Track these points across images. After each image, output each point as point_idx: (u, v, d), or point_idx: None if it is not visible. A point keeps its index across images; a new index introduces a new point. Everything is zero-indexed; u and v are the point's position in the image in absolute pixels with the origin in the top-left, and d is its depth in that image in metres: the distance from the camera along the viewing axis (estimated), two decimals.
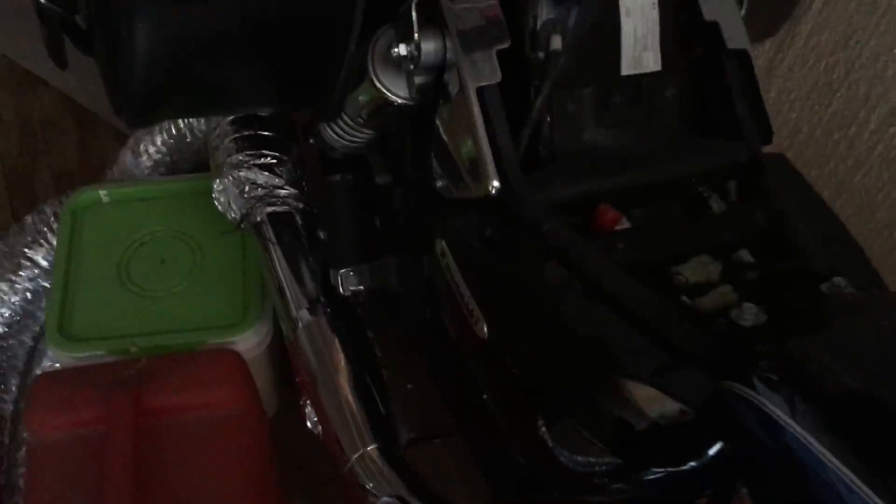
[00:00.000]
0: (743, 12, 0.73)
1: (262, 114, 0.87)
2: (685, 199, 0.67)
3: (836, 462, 0.41)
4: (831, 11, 0.98)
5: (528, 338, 0.58)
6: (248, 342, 0.87)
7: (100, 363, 0.85)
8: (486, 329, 0.59)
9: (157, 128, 1.05)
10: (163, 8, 0.62)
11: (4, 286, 0.96)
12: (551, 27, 0.64)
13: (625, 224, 0.64)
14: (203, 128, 1.01)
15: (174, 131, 1.05)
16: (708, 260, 0.61)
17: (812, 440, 0.42)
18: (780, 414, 0.44)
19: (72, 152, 1.34)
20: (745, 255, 0.62)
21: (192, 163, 1.06)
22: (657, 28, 0.68)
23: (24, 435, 0.91)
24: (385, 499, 0.69)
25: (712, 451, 0.50)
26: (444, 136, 0.66)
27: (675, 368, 0.52)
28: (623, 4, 0.66)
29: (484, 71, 0.62)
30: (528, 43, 0.64)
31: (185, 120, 1.02)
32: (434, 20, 0.63)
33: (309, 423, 0.88)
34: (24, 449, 0.90)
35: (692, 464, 0.51)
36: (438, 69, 0.65)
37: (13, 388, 0.96)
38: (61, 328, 0.87)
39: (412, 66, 0.64)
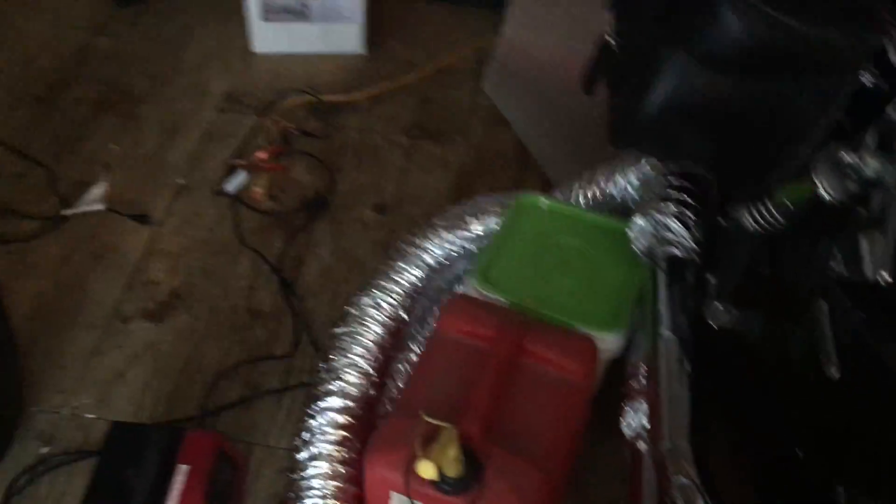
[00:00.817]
0: None
1: (691, 180, 1.11)
2: None
3: None
4: None
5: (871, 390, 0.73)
6: (607, 342, 1.09)
7: (500, 305, 1.12)
8: (838, 373, 0.75)
9: (594, 180, 1.34)
10: (689, 69, 0.88)
11: (450, 236, 1.29)
12: None
13: None
14: (628, 192, 1.28)
15: (598, 195, 1.32)
16: None
17: None
18: None
19: (506, 180, 1.69)
20: None
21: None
22: None
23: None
24: (681, 480, 0.85)
25: None
26: (860, 231, 0.83)
27: None
28: None
29: None
30: None
31: (621, 180, 1.29)
32: (884, 148, 0.82)
33: (623, 422, 1.07)
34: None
35: None
36: (873, 183, 0.83)
37: (417, 307, 1.27)
38: (485, 272, 1.16)
39: (852, 174, 0.83)
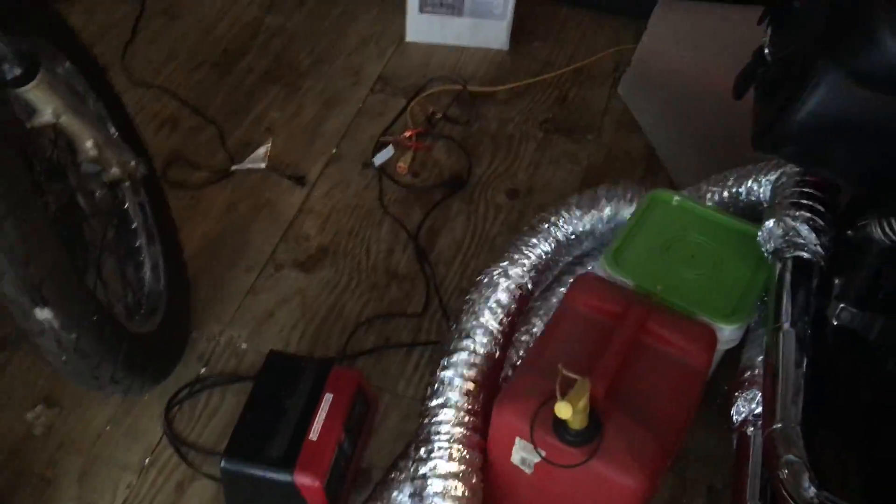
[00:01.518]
0: None
1: (825, 189, 1.17)
2: None
3: None
4: None
5: None
6: (725, 333, 1.17)
7: (627, 287, 1.21)
8: None
9: (722, 183, 1.41)
10: (841, 85, 0.95)
11: (578, 213, 1.38)
12: None
13: None
14: (756, 194, 1.35)
15: (726, 196, 1.39)
16: None
17: None
18: None
19: (633, 182, 1.77)
20: None
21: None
22: None
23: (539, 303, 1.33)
24: (790, 457, 0.92)
25: None
26: None
27: None
28: None
29: None
30: None
31: (749, 184, 1.36)
32: None
33: (733, 410, 1.14)
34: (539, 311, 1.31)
35: None
36: None
37: (548, 277, 1.38)
38: (616, 254, 1.25)
39: None
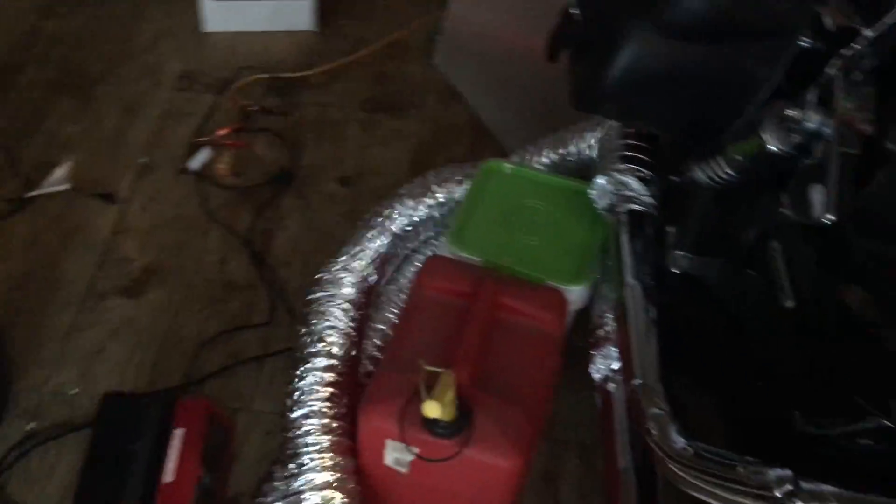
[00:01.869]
0: None
1: (648, 140, 1.20)
2: None
3: None
4: None
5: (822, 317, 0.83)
6: (573, 294, 1.18)
7: (474, 264, 1.19)
8: (792, 302, 0.85)
9: (550, 145, 1.42)
10: (650, 38, 0.96)
11: (411, 203, 1.35)
12: None
13: None
14: (584, 154, 1.37)
15: (556, 158, 1.40)
16: None
17: None
18: None
19: (463, 151, 1.76)
20: None
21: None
22: None
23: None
24: (654, 410, 0.93)
25: None
26: (805, 179, 0.92)
27: None
28: None
29: (850, 143, 0.89)
30: (888, 140, 0.90)
31: (575, 145, 1.38)
32: (825, 102, 0.92)
33: (593, 368, 1.16)
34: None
35: None
36: (814, 135, 0.93)
37: (393, 265, 1.34)
38: (459, 233, 1.23)
39: (796, 127, 0.92)
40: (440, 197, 1.36)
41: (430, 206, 1.36)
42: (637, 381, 0.98)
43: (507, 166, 1.35)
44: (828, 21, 0.95)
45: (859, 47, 0.89)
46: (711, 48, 0.97)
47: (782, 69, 0.98)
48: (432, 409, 0.91)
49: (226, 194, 1.61)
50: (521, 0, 2.05)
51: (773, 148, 0.95)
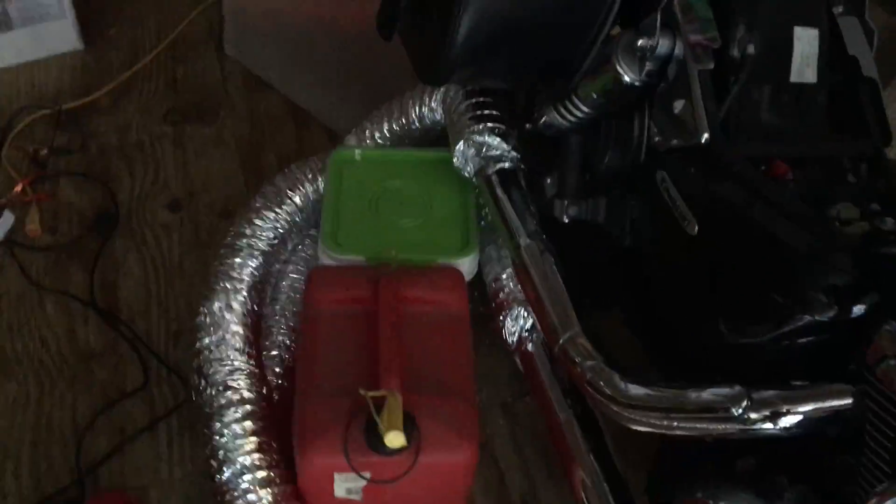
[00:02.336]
0: (873, 53, 1.03)
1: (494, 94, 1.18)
2: (830, 170, 0.95)
3: None
4: None
5: (726, 231, 0.86)
6: (466, 265, 1.15)
7: (360, 265, 1.13)
8: (696, 227, 0.87)
9: (387, 117, 1.37)
10: None
11: (271, 215, 1.26)
12: (748, 40, 0.94)
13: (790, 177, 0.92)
14: (428, 118, 1.33)
15: (403, 120, 1.35)
16: (851, 205, 0.88)
17: None
18: None
19: (290, 142, 1.66)
20: (875, 207, 0.89)
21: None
22: (816, 53, 0.97)
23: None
24: (589, 363, 0.94)
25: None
26: (668, 105, 0.94)
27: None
28: (796, 33, 0.96)
29: (703, 60, 0.92)
30: (733, 46, 0.93)
31: (417, 110, 1.33)
32: (670, 26, 0.93)
33: (505, 332, 1.15)
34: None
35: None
36: (666, 60, 0.94)
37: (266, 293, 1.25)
38: (333, 237, 1.16)
39: (648, 55, 0.93)
40: (297, 201, 1.28)
41: (290, 213, 1.27)
42: (563, 341, 0.98)
43: (357, 152, 1.28)
44: None
45: None
46: None
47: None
48: (397, 439, 0.86)
49: (47, 256, 1.43)
50: None
51: (629, 79, 0.97)
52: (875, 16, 1.04)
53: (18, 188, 1.49)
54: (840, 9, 1.02)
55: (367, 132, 1.39)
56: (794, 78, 0.97)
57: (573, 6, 0.97)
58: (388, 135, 1.37)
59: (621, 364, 0.93)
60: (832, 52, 0.99)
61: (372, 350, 1.02)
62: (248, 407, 1.06)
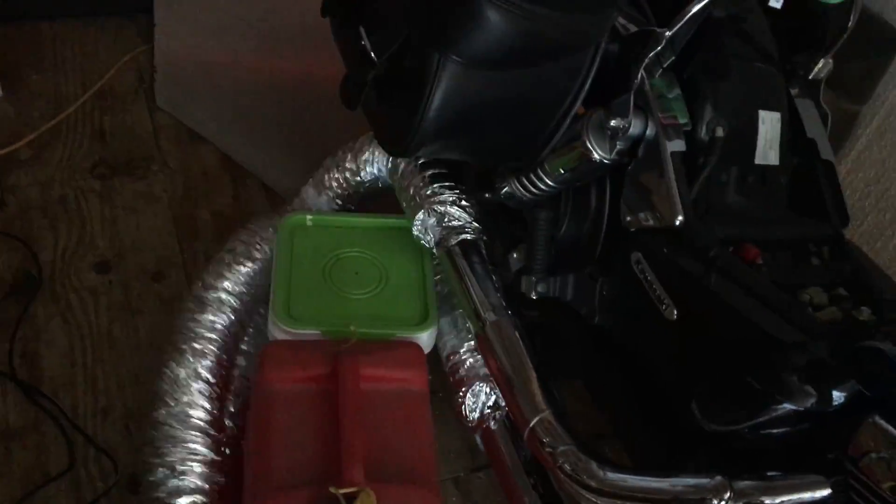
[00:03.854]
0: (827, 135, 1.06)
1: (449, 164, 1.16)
2: (796, 253, 0.96)
3: None
4: (867, 157, 1.32)
5: (706, 318, 0.85)
6: (425, 339, 1.11)
7: (317, 339, 1.08)
8: (675, 312, 0.86)
9: (339, 168, 1.33)
10: (459, 72, 0.91)
11: (244, 269, 1.19)
12: (716, 122, 0.95)
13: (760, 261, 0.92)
14: (376, 173, 1.30)
15: (351, 175, 1.32)
16: (820, 290, 0.89)
17: None
18: None
19: (226, 198, 1.59)
20: (842, 291, 0.90)
21: (359, 199, 1.34)
22: (778, 136, 0.99)
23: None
24: (562, 448, 0.91)
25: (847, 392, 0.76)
26: (639, 185, 0.94)
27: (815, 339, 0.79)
28: (761, 116, 0.98)
29: (675, 142, 0.92)
30: (702, 128, 0.94)
31: (366, 168, 1.30)
32: (641, 108, 0.94)
33: (465, 409, 1.11)
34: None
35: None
36: (637, 140, 0.94)
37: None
38: (286, 309, 1.10)
39: (620, 135, 0.93)
40: (251, 266, 1.21)
41: (251, 274, 1.20)
42: (534, 422, 0.95)
43: (308, 217, 1.23)
44: (623, 28, 0.97)
45: (658, 47, 0.92)
46: (522, 72, 0.95)
47: (588, 79, 0.98)
48: None
49: None
50: (237, 19, 1.90)
51: (597, 157, 0.96)
52: (828, 100, 1.07)
53: None
54: (796, 90, 1.05)
55: (310, 196, 1.35)
56: (758, 160, 0.98)
57: (543, 86, 0.96)
58: (332, 196, 1.34)
59: (591, 447, 0.91)
60: (793, 134, 1.01)
61: (331, 434, 0.96)
62: (199, 498, 0.98)
